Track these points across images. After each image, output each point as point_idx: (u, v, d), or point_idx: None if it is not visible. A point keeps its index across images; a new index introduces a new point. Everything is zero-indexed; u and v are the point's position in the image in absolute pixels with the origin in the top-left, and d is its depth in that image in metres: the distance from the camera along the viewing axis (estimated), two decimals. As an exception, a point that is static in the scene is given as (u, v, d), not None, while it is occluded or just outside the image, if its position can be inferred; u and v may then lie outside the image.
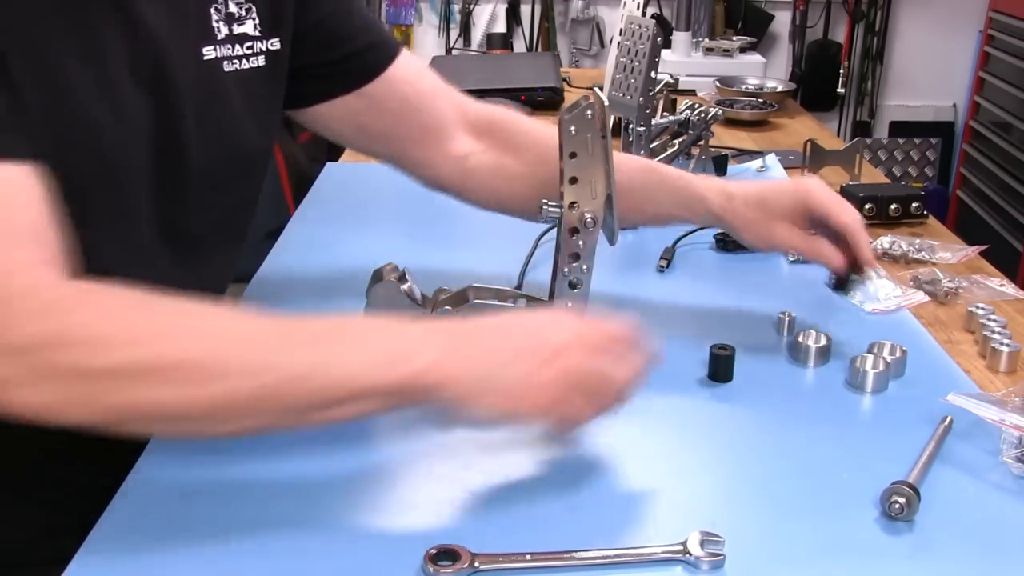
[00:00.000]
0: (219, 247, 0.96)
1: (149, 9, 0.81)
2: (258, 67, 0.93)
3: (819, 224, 0.99)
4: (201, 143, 0.88)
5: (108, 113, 0.78)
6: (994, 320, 1.03)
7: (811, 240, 1.00)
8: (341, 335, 0.71)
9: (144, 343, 0.66)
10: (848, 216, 0.98)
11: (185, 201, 0.89)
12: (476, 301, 0.93)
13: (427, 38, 3.71)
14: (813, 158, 1.55)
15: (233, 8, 0.90)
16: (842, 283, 1.01)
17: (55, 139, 0.74)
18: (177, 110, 0.85)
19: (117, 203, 0.84)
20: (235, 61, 0.91)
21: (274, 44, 0.94)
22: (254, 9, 0.91)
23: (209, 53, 0.88)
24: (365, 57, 1.02)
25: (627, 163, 1.06)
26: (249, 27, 0.92)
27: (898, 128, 3.82)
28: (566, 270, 0.90)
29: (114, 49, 0.78)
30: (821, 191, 0.99)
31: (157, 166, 0.84)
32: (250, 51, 0.92)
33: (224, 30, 0.90)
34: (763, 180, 1.02)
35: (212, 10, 0.89)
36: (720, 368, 0.94)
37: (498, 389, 0.71)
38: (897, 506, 0.73)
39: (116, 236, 0.84)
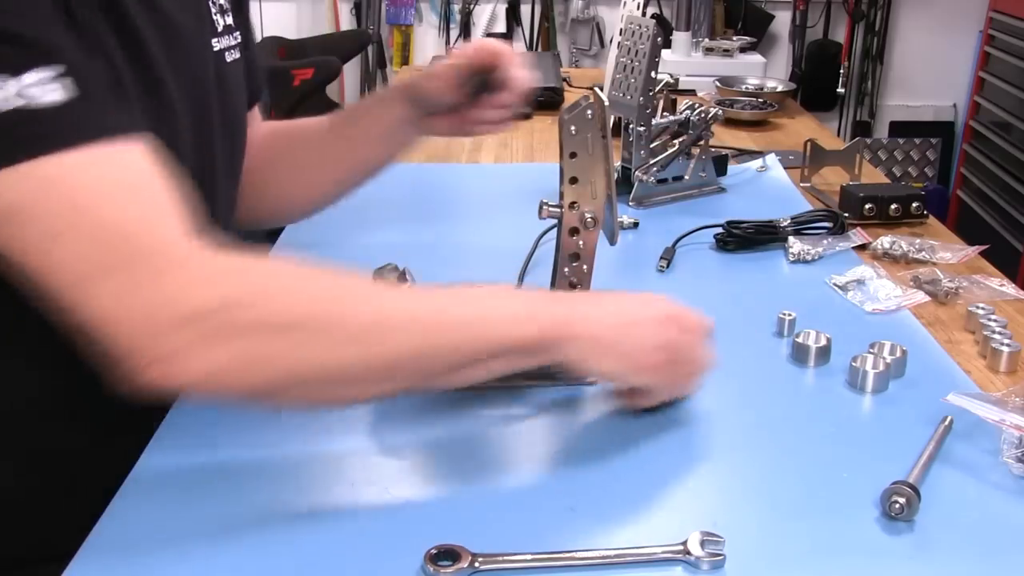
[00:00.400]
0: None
1: (172, 6, 0.82)
2: (239, 57, 0.97)
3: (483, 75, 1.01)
4: (221, 134, 0.91)
5: (156, 112, 0.79)
6: (994, 320, 1.03)
7: (458, 58, 1.02)
8: (481, 297, 0.76)
9: (319, 302, 0.69)
10: (492, 44, 1.01)
11: (214, 198, 0.90)
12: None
13: (427, 38, 3.72)
14: (813, 158, 1.55)
15: (222, 0, 0.95)
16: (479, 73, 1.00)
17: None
18: (206, 104, 0.88)
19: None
20: (232, 52, 0.95)
21: (237, 37, 0.98)
22: (228, 1, 0.96)
23: (216, 45, 0.92)
24: (254, 79, 1.06)
25: (313, 123, 1.12)
26: (230, 19, 0.97)
27: (898, 128, 3.82)
28: (566, 270, 0.90)
29: (152, 48, 0.79)
30: (454, 60, 1.03)
31: (194, 161, 0.86)
32: (235, 41, 0.97)
33: (222, 22, 0.93)
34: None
35: (211, 2, 0.92)
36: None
37: (617, 350, 0.78)
38: (897, 506, 0.73)
39: None
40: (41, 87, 0.65)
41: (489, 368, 0.74)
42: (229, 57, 0.94)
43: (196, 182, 0.86)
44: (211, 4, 0.92)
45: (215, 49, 0.91)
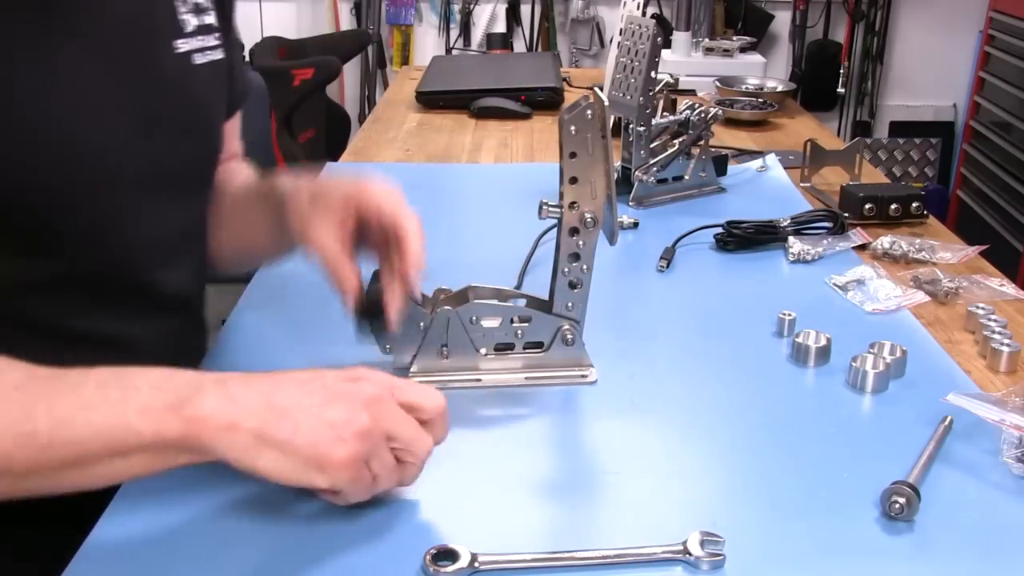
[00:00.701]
0: (185, 251, 0.94)
1: (117, 6, 0.80)
2: (220, 59, 0.93)
3: (376, 231, 0.87)
4: (183, 140, 0.87)
5: (87, 119, 0.77)
6: (994, 320, 1.03)
7: (337, 252, 0.85)
8: (101, 383, 0.65)
9: None
10: (404, 219, 0.85)
11: (177, 205, 0.89)
12: (476, 301, 0.93)
13: (427, 38, 3.72)
14: (813, 158, 1.55)
15: None
16: (365, 315, 0.86)
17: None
18: (157, 107, 0.84)
19: (94, 217, 0.81)
20: (206, 54, 0.90)
21: (216, 38, 0.93)
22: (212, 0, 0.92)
23: (182, 46, 0.87)
24: (234, 84, 1.01)
25: (232, 188, 1.02)
26: (212, 18, 0.93)
27: (898, 128, 3.82)
28: (566, 270, 0.90)
29: (93, 53, 0.77)
30: (378, 190, 0.86)
31: (141, 167, 0.83)
32: (217, 42, 0.93)
33: (194, 22, 0.89)
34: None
35: (179, 3, 0.88)
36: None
37: (297, 435, 0.64)
38: (897, 506, 0.73)
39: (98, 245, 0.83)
40: None
41: (117, 471, 0.65)
42: (200, 59, 0.89)
43: (144, 189, 0.84)
44: (180, 3, 0.88)
45: (179, 51, 0.87)
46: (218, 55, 0.92)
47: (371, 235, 0.87)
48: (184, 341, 0.96)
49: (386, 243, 0.86)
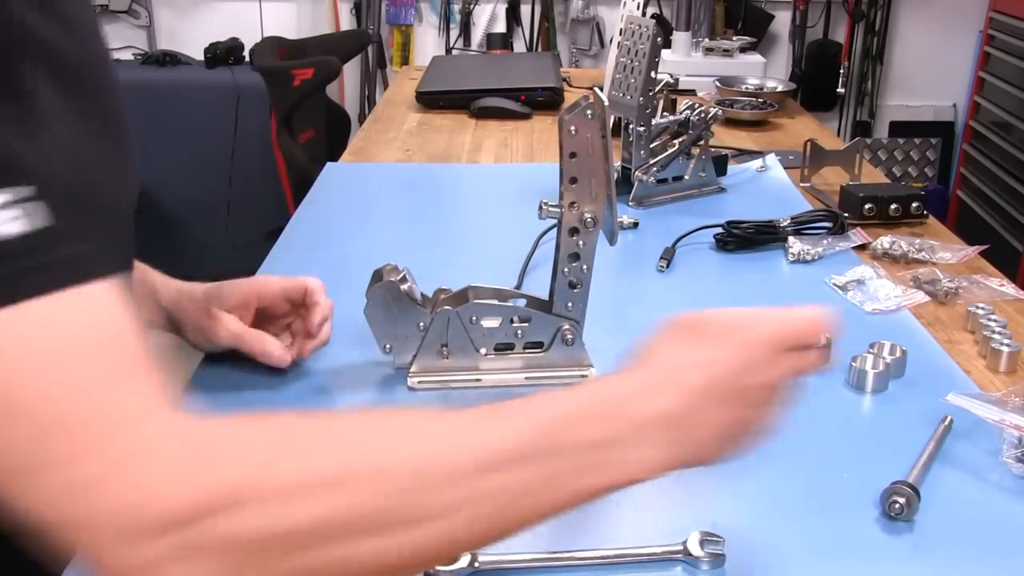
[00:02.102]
0: None
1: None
2: None
3: (280, 304, 0.96)
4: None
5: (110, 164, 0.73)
6: (994, 320, 1.03)
7: (250, 331, 0.93)
8: (558, 441, 0.57)
9: (321, 490, 0.52)
10: (308, 279, 0.95)
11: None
12: (476, 301, 0.93)
13: (427, 38, 3.71)
14: (813, 158, 1.55)
15: None
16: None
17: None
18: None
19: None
20: None
21: None
22: None
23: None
24: None
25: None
26: None
27: (898, 128, 3.82)
28: (566, 270, 0.90)
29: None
30: (277, 280, 0.96)
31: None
32: None
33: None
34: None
35: None
36: None
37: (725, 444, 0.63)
38: (897, 506, 0.73)
39: None
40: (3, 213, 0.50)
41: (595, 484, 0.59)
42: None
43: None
44: None
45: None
46: None
47: (274, 312, 0.97)
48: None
49: (295, 308, 0.97)
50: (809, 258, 1.23)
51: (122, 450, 0.51)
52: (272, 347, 0.93)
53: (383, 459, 0.54)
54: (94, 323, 0.53)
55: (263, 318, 0.97)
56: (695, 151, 1.48)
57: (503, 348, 0.93)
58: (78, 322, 0.52)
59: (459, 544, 0.58)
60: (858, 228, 1.31)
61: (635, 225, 1.35)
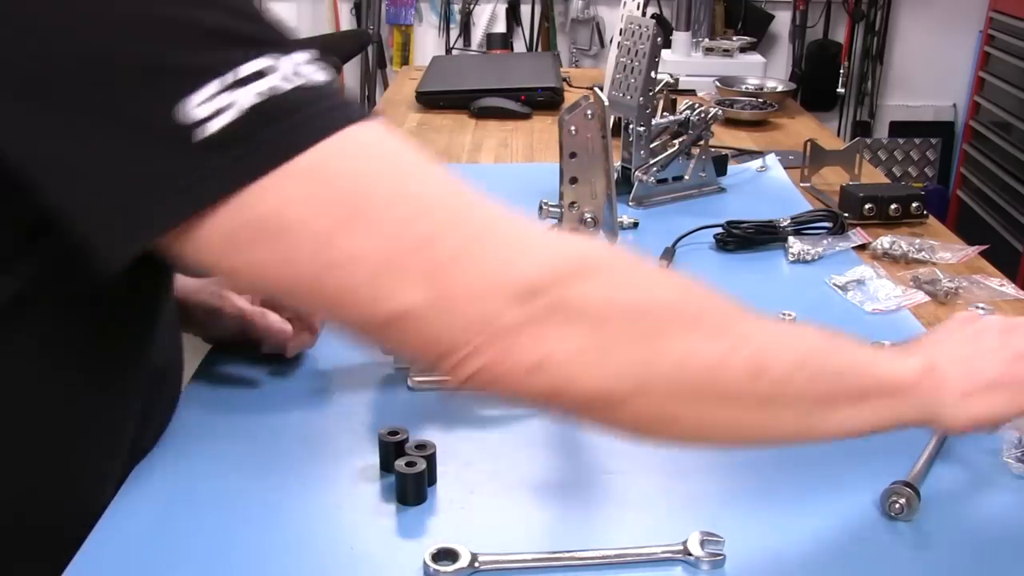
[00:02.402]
0: None
1: None
2: None
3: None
4: None
5: None
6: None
7: (253, 307, 0.93)
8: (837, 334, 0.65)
9: (678, 289, 0.59)
10: None
11: None
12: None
13: (427, 38, 3.71)
14: (813, 158, 1.55)
15: None
16: None
17: None
18: None
19: None
20: None
21: None
22: None
23: None
24: None
25: None
26: None
27: (898, 128, 3.82)
28: (566, 270, 0.90)
29: None
30: None
31: None
32: None
33: None
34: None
35: None
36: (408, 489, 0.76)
37: (994, 372, 0.67)
38: (897, 506, 0.73)
39: None
40: (309, 66, 0.55)
41: (848, 416, 0.63)
42: None
43: None
44: None
45: None
46: None
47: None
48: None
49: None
50: (809, 258, 1.23)
51: (480, 224, 0.55)
52: (272, 319, 0.92)
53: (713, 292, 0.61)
54: (405, 143, 0.58)
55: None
56: (695, 151, 1.48)
57: (503, 348, 0.93)
58: (390, 137, 0.58)
59: (781, 389, 0.60)
60: (858, 228, 1.31)
61: (635, 225, 1.35)
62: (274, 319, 0.93)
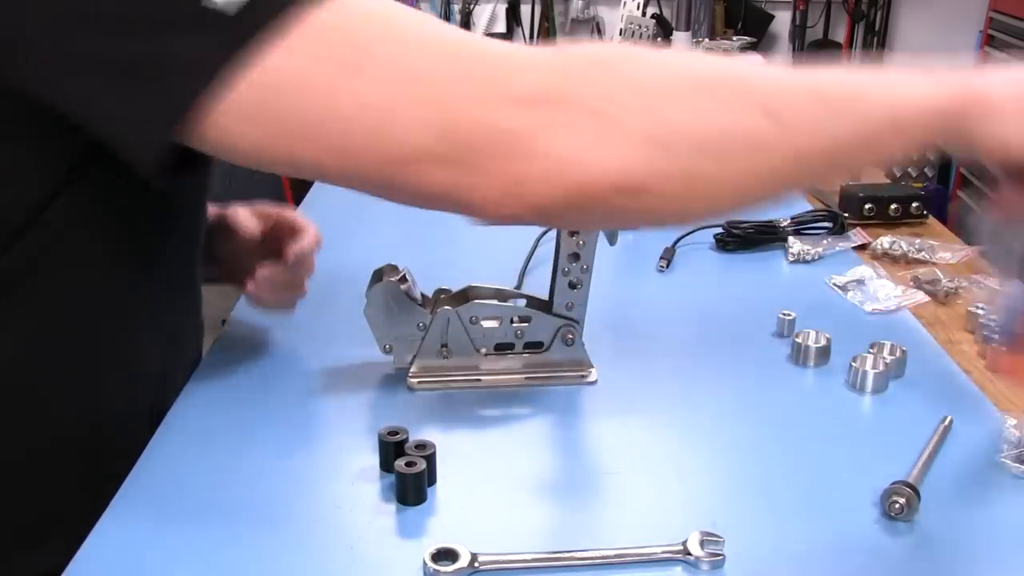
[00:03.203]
0: None
1: None
2: None
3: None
4: None
5: None
6: (994, 320, 1.03)
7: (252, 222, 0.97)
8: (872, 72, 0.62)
9: (691, 61, 0.62)
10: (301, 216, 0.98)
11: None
12: (476, 301, 0.93)
13: (427, 38, 3.71)
14: (813, 158, 1.54)
15: None
16: None
17: None
18: None
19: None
20: None
21: None
22: None
23: None
24: None
25: None
26: None
27: (898, 128, 3.81)
28: (566, 270, 0.90)
29: None
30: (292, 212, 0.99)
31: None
32: None
33: None
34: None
35: None
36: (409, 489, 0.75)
37: None
38: (897, 506, 0.73)
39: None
40: None
41: (884, 148, 0.62)
42: None
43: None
44: None
45: None
46: None
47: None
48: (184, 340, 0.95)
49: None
50: (809, 258, 1.23)
51: (473, 52, 0.58)
52: (243, 215, 0.95)
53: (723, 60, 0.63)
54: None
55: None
56: (695, 151, 1.47)
57: (503, 348, 0.93)
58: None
59: (802, 128, 0.59)
60: (858, 228, 1.31)
61: (635, 225, 1.35)
62: (244, 215, 0.95)
